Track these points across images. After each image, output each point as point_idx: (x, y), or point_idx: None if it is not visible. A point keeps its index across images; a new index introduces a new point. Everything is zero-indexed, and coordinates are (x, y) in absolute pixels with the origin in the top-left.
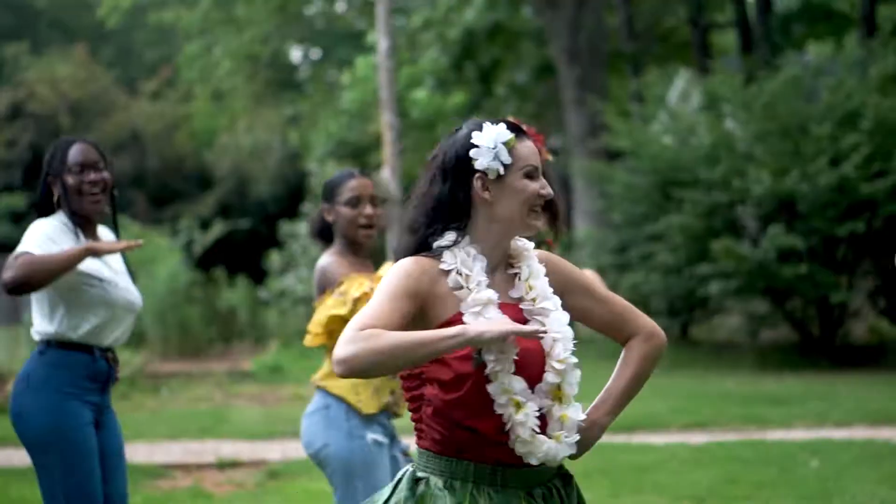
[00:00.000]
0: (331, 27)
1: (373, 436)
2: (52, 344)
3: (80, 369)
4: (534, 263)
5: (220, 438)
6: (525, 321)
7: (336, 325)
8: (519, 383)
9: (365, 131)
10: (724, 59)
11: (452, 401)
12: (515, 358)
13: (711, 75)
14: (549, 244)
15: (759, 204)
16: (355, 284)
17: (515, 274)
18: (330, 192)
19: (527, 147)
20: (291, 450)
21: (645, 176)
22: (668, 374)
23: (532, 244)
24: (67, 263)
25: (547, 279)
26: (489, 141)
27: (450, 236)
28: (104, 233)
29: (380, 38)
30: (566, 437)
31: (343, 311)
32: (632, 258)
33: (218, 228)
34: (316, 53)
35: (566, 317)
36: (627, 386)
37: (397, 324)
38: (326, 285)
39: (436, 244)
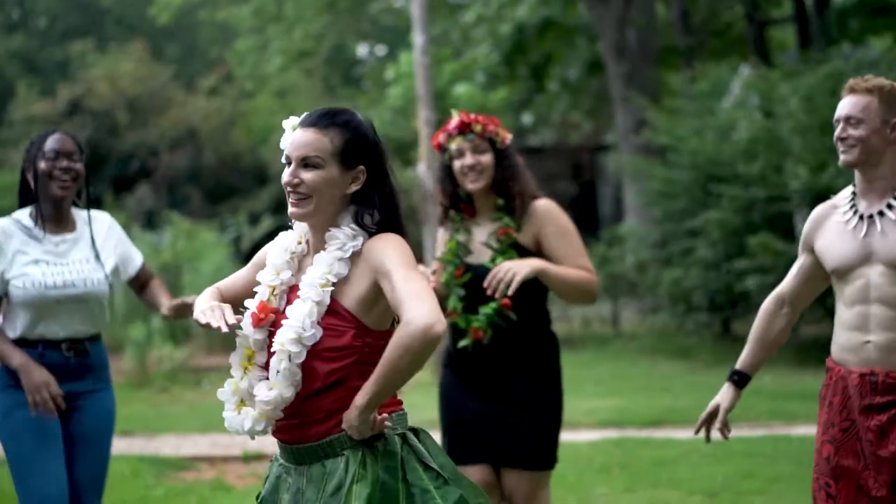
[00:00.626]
0: (397, 23)
1: None
2: None
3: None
4: (332, 251)
5: None
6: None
7: None
8: (234, 358)
9: (408, 127)
10: (782, 55)
11: None
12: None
13: (769, 70)
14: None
15: (798, 199)
16: None
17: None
18: None
19: (296, 135)
20: None
21: (684, 171)
22: (707, 369)
23: (350, 232)
24: None
25: (330, 265)
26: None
27: None
28: (97, 216)
29: (416, 35)
30: (247, 410)
31: None
32: (672, 253)
33: (267, 223)
34: (382, 50)
35: (306, 306)
36: (377, 371)
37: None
38: None
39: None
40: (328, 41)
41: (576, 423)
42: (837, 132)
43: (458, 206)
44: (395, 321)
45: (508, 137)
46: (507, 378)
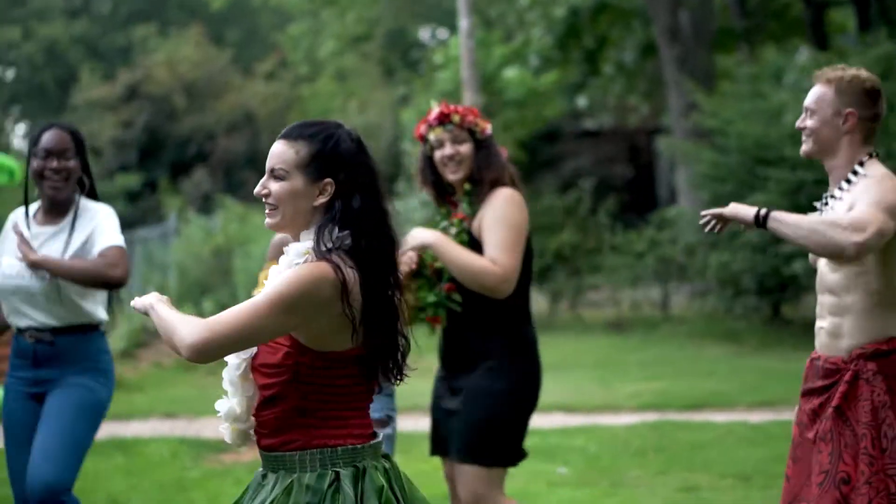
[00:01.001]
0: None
1: None
2: None
3: (13, 349)
4: (281, 266)
5: None
6: None
7: None
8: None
9: None
10: (841, 37)
11: None
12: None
13: (822, 54)
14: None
15: None
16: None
17: None
18: None
19: (272, 146)
20: None
21: (732, 155)
22: (755, 353)
23: (302, 249)
24: None
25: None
26: None
27: None
28: (93, 208)
29: (461, 18)
30: (224, 422)
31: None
32: (720, 236)
33: None
34: (444, 33)
35: None
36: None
37: None
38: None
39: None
40: (383, 25)
41: (616, 406)
42: (797, 123)
43: (444, 196)
44: (352, 336)
45: (488, 128)
46: (459, 370)
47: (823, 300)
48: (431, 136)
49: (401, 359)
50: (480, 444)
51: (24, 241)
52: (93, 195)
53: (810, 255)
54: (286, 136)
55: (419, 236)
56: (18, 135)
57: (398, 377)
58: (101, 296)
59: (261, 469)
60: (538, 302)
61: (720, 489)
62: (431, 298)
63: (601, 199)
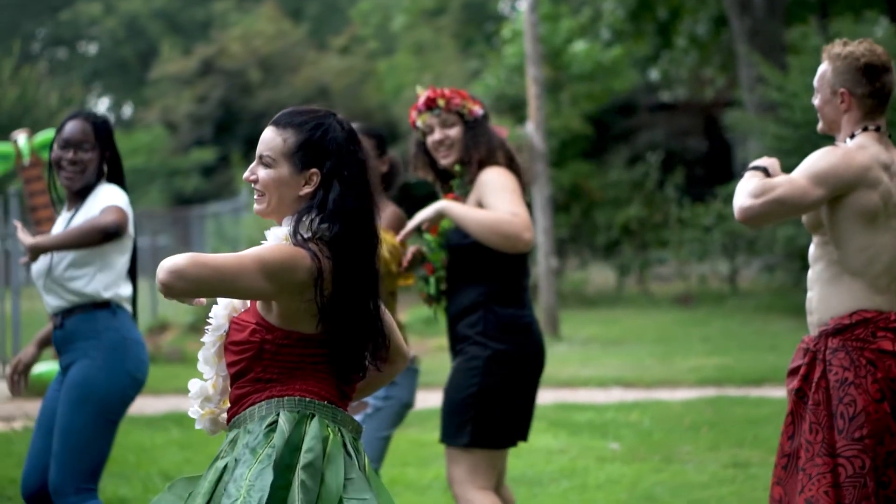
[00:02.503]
0: None
1: None
2: None
3: None
4: None
5: None
6: None
7: None
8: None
9: (523, 85)
10: None
11: None
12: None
13: None
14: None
15: None
16: None
17: None
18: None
19: (263, 133)
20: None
21: (796, 128)
22: None
23: (281, 234)
24: None
25: None
26: None
27: None
28: (105, 190)
29: None
30: (195, 405)
31: None
32: None
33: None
34: (523, 5)
35: (225, 301)
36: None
37: None
38: None
39: None
40: None
41: (675, 381)
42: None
43: (445, 180)
44: (318, 322)
45: (477, 109)
46: (453, 353)
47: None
48: (420, 123)
49: (371, 349)
50: (450, 424)
51: (21, 229)
52: (119, 182)
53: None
54: (276, 123)
55: (430, 208)
56: (101, 109)
57: (362, 369)
58: (108, 273)
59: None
60: (606, 276)
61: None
62: (423, 275)
63: (670, 172)
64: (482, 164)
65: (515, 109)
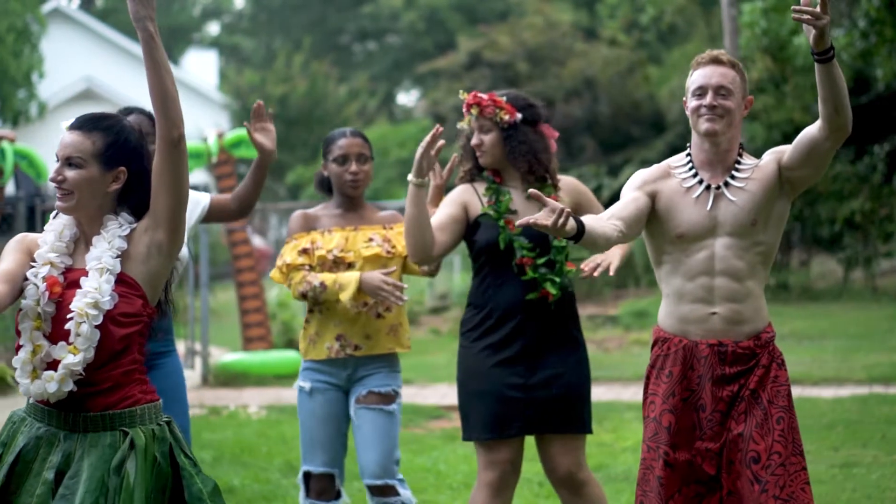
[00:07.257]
0: None
1: (301, 382)
2: None
3: None
4: (112, 230)
5: None
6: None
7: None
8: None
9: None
10: None
11: None
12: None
13: None
14: None
15: None
16: (289, 248)
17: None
18: (324, 150)
19: (64, 136)
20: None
21: None
22: None
23: (128, 218)
24: None
25: (111, 242)
26: None
27: None
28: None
29: None
30: (49, 374)
31: (279, 262)
32: None
33: (628, 172)
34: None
35: (100, 275)
36: None
37: None
38: (288, 234)
39: None
40: None
41: (842, 378)
42: (707, 99)
43: (480, 171)
44: (165, 299)
45: (511, 116)
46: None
47: (718, 284)
48: (465, 123)
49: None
50: (587, 413)
51: None
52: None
53: (687, 230)
54: (80, 128)
55: (619, 255)
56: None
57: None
58: None
59: (45, 429)
60: (832, 269)
61: (878, 466)
62: (561, 274)
63: None
64: (529, 173)
65: None
